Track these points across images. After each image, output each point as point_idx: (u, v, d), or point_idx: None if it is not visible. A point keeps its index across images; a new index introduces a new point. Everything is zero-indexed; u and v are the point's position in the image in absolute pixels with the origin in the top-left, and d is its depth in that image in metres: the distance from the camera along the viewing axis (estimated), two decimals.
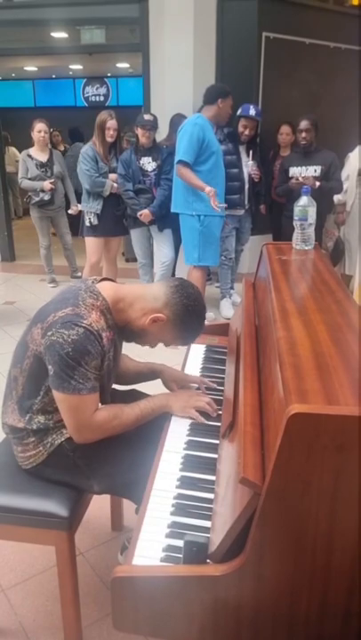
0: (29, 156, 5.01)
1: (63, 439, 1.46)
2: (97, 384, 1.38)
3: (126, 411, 1.45)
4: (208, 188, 3.59)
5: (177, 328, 1.47)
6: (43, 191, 4.98)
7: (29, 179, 5.00)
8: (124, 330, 1.49)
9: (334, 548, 0.87)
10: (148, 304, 1.45)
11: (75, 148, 6.97)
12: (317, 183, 4.08)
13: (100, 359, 1.36)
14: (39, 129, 4.92)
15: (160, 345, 1.58)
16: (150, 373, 1.73)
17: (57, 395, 1.35)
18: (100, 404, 1.45)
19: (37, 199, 5.03)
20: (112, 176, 4.18)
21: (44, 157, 5.05)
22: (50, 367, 1.33)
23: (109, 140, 4.14)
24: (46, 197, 5.02)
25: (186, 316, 1.45)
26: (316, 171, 4.22)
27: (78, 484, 1.49)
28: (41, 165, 5.02)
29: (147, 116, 4.15)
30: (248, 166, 4.29)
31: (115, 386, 1.66)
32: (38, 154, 5.03)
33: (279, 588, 0.92)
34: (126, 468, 1.44)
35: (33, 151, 5.03)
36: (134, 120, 4.24)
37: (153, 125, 4.11)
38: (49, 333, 1.32)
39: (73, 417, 1.37)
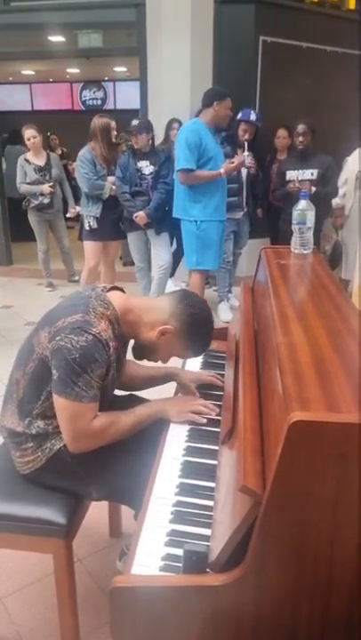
0: (27, 160, 5.01)
1: (62, 445, 1.44)
2: (98, 393, 1.37)
3: (123, 418, 1.44)
4: (222, 170, 3.60)
5: (185, 337, 1.47)
6: (42, 194, 4.98)
7: (28, 183, 4.99)
8: (135, 346, 1.51)
9: (336, 557, 0.86)
10: (156, 316, 1.46)
11: (11, 152, 6.43)
12: (313, 189, 4.07)
13: (105, 368, 1.36)
14: (28, 136, 4.92)
15: None
16: (164, 377, 1.72)
17: (58, 400, 1.34)
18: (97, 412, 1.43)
19: (36, 202, 5.02)
20: (110, 179, 4.18)
21: (41, 161, 5.04)
22: (54, 372, 1.33)
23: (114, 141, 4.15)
24: (45, 201, 5.01)
25: (192, 325, 1.46)
26: (312, 174, 4.22)
27: (77, 490, 1.48)
28: (39, 169, 5.01)
29: (134, 122, 4.19)
30: (244, 157, 4.28)
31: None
32: (35, 158, 5.03)
33: (280, 597, 0.90)
34: (125, 474, 1.42)
35: (30, 156, 5.03)
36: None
37: (139, 129, 4.12)
38: (57, 338, 1.32)
39: (71, 424, 1.36)
